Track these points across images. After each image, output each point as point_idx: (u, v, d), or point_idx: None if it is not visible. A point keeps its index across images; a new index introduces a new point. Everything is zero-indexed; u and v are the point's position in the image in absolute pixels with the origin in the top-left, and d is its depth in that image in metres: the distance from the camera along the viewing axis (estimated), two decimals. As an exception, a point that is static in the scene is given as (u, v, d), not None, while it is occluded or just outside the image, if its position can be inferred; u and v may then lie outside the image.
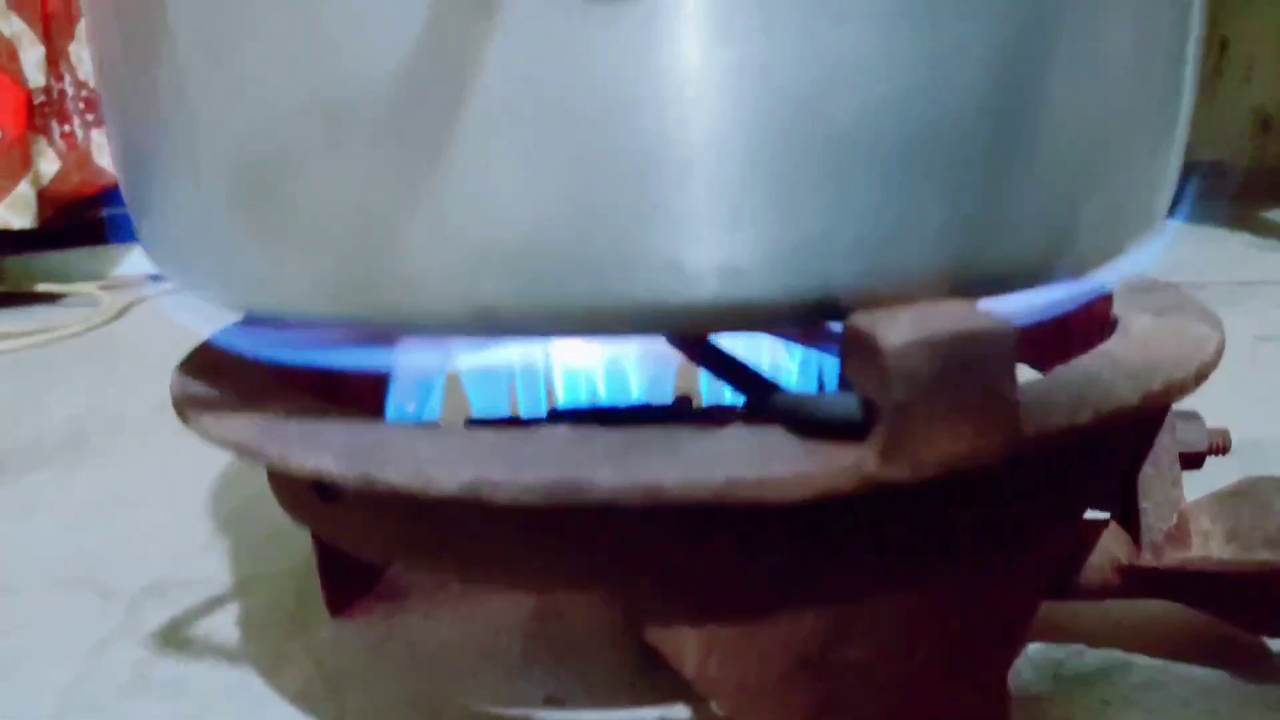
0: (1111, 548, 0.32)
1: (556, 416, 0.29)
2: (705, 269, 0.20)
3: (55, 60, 1.23)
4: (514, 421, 0.31)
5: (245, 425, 0.25)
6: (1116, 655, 0.33)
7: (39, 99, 1.21)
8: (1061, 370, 0.24)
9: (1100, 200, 0.23)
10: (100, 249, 1.39)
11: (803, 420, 0.21)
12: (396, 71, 0.19)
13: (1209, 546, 0.31)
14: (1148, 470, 0.31)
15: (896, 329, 0.20)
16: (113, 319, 1.14)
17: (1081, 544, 0.31)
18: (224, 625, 0.42)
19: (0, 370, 0.95)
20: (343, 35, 0.20)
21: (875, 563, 0.23)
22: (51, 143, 1.25)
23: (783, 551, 0.22)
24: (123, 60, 0.24)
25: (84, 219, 1.34)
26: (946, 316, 0.20)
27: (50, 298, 1.31)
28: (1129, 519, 0.31)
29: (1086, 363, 0.25)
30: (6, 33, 1.17)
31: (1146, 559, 0.31)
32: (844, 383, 0.22)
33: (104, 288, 1.29)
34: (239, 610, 0.43)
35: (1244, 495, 0.31)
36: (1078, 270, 0.25)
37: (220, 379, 0.29)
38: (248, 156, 0.22)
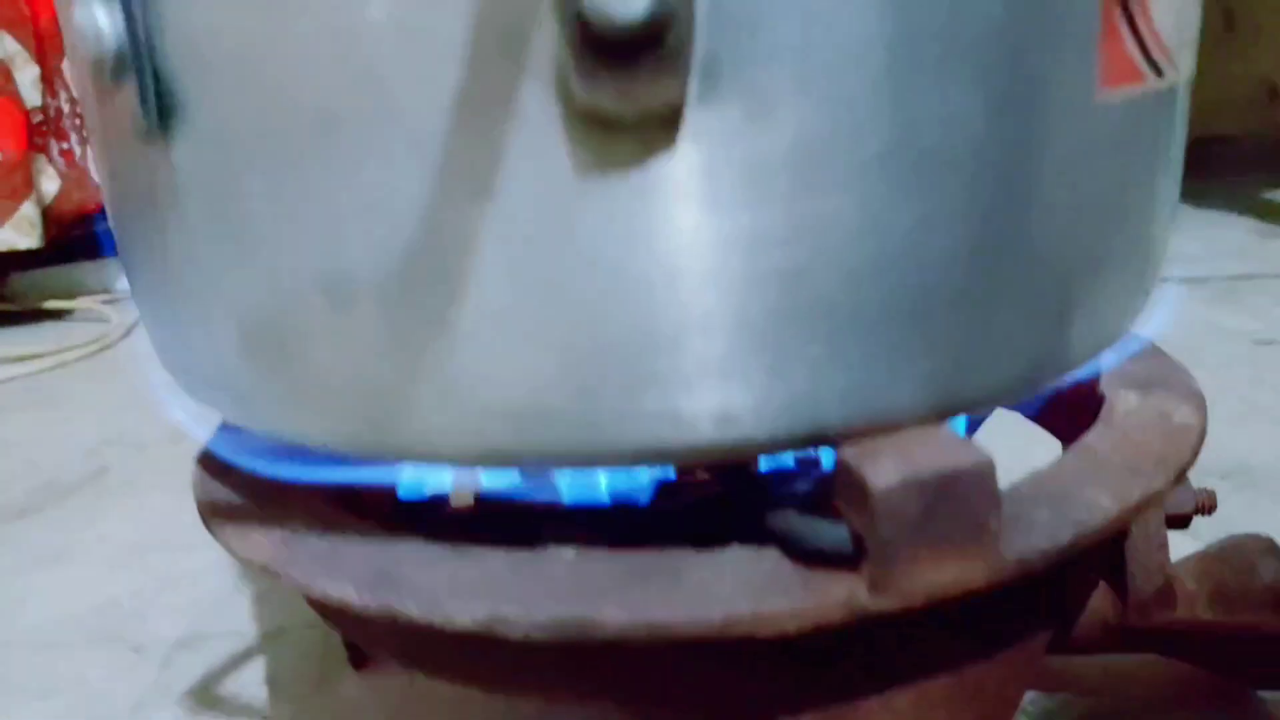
0: (1101, 607, 0.33)
1: (564, 518, 0.30)
2: (700, 417, 0.21)
3: (50, 78, 1.23)
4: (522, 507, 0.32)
5: (268, 544, 0.26)
6: (1105, 704, 0.35)
7: (36, 118, 1.22)
8: (1043, 477, 0.25)
9: (1085, 314, 0.24)
10: (105, 262, 1.40)
11: (797, 546, 0.23)
12: (399, 251, 0.20)
13: (1194, 609, 0.32)
14: (1135, 533, 0.32)
15: (883, 470, 0.21)
16: (123, 336, 1.15)
17: (1072, 605, 0.32)
18: (253, 681, 0.43)
19: (17, 397, 0.97)
20: (345, 217, 0.21)
21: (868, 670, 0.24)
22: (51, 161, 1.26)
23: (780, 666, 0.24)
24: (134, 213, 0.25)
25: (86, 233, 1.35)
26: (931, 453, 0.21)
27: (58, 314, 1.32)
28: (1117, 579, 0.33)
29: (1069, 464, 0.26)
30: (1, 54, 1.17)
31: (1134, 619, 0.32)
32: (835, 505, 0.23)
33: (110, 301, 1.31)
34: (266, 665, 0.44)
35: (1228, 557, 0.32)
36: (1063, 374, 0.26)
37: (238, 476, 0.30)
38: (257, 317, 0.23)
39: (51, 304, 1.34)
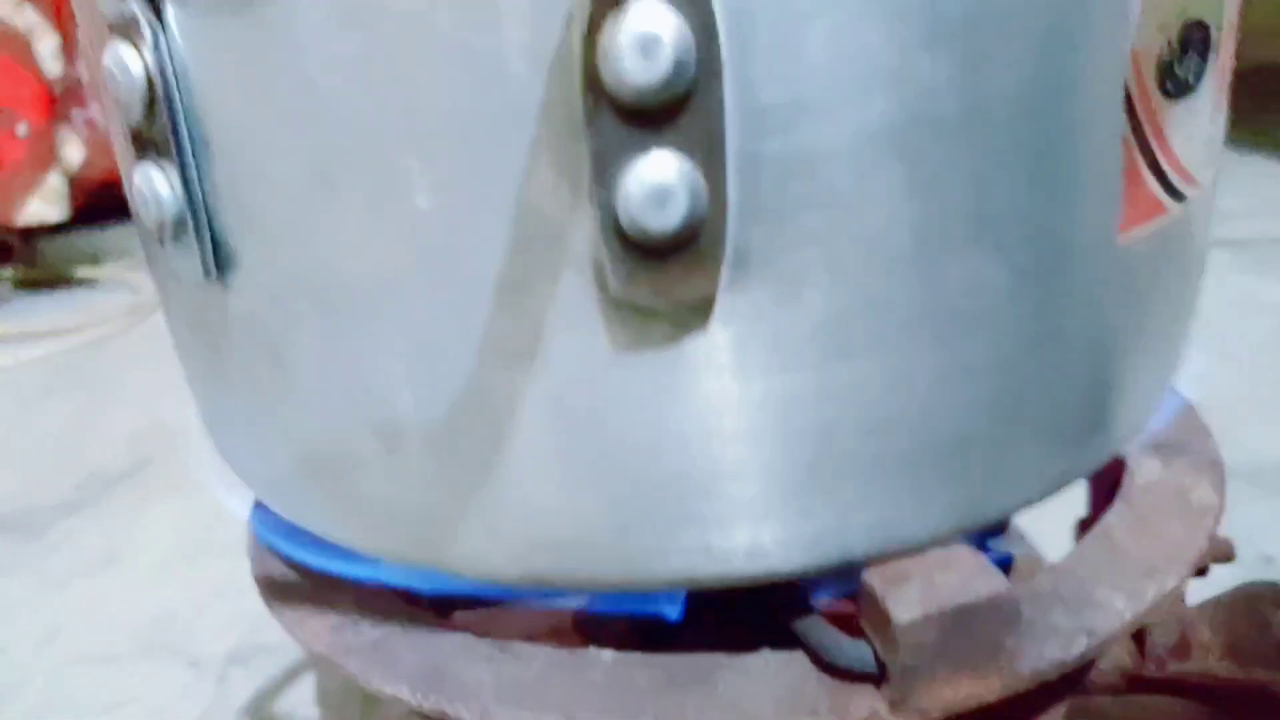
0: (1118, 655, 0.34)
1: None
2: (733, 552, 0.22)
3: (70, 47, 1.23)
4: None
5: (325, 633, 0.28)
6: (1122, 740, 0.36)
7: (58, 88, 1.22)
8: (1061, 572, 0.26)
9: (1110, 419, 0.25)
10: (133, 226, 1.42)
11: (823, 658, 0.24)
12: (446, 404, 0.21)
13: (1209, 659, 0.33)
14: (1151, 587, 0.33)
15: (906, 602, 0.22)
16: (156, 310, 1.17)
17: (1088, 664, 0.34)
18: (304, 700, 0.46)
19: (56, 377, 0.99)
20: (394, 372, 0.22)
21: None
22: (75, 130, 1.26)
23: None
24: (193, 342, 0.26)
25: (114, 198, 1.36)
26: (953, 582, 0.22)
27: (87, 282, 1.34)
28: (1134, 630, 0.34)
29: (1087, 556, 0.27)
30: (21, 26, 1.17)
31: (1150, 669, 0.33)
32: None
33: (139, 268, 1.32)
34: (315, 683, 0.47)
35: (1243, 608, 0.33)
36: (1089, 472, 0.26)
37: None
38: (311, 448, 0.24)
39: (81, 272, 1.36)
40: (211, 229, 0.22)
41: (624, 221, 0.18)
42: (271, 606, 0.30)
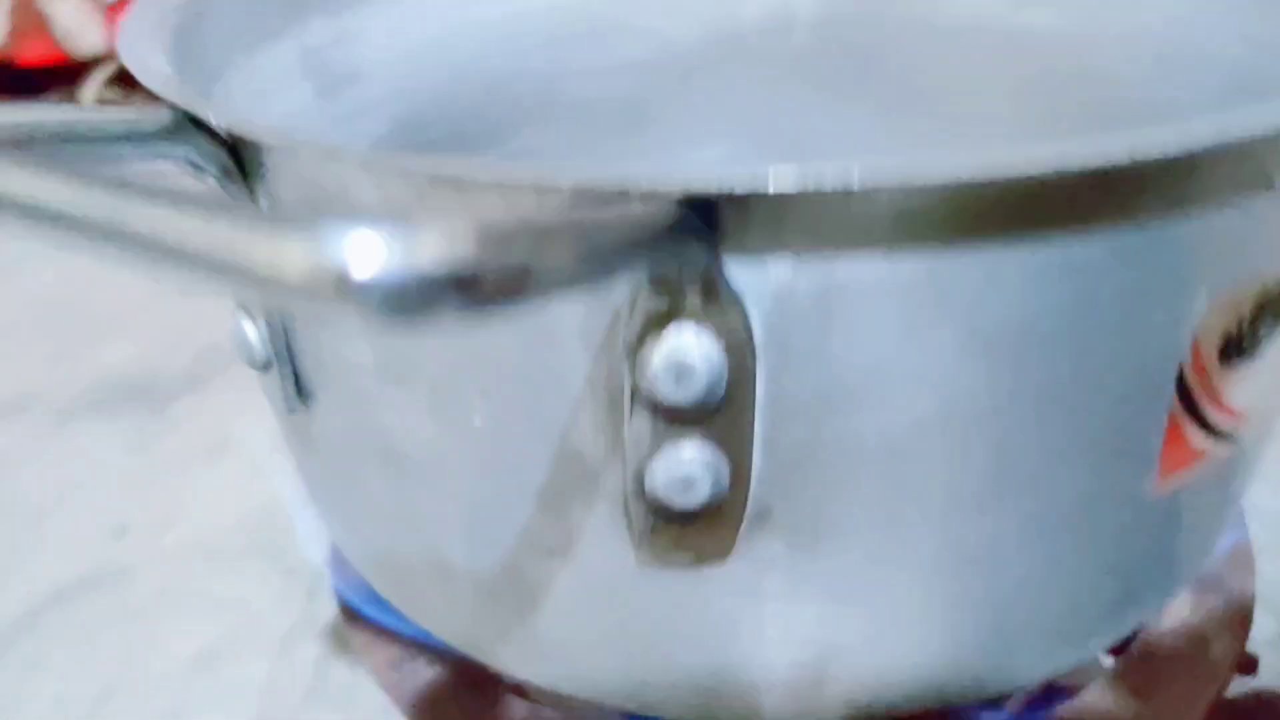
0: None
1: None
2: (734, 714, 0.25)
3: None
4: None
5: (386, 669, 0.32)
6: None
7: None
8: (1055, 730, 0.28)
9: (1125, 618, 0.26)
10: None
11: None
12: (489, 563, 0.24)
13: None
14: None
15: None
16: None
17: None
18: (382, 625, 0.51)
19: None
20: (444, 526, 0.24)
21: None
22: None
23: None
24: (293, 441, 0.29)
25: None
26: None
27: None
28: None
29: (1088, 705, 0.28)
30: None
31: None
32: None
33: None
34: (393, 611, 0.52)
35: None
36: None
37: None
38: (378, 556, 0.27)
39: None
40: (295, 370, 0.24)
41: (649, 494, 0.19)
42: (346, 622, 0.34)
